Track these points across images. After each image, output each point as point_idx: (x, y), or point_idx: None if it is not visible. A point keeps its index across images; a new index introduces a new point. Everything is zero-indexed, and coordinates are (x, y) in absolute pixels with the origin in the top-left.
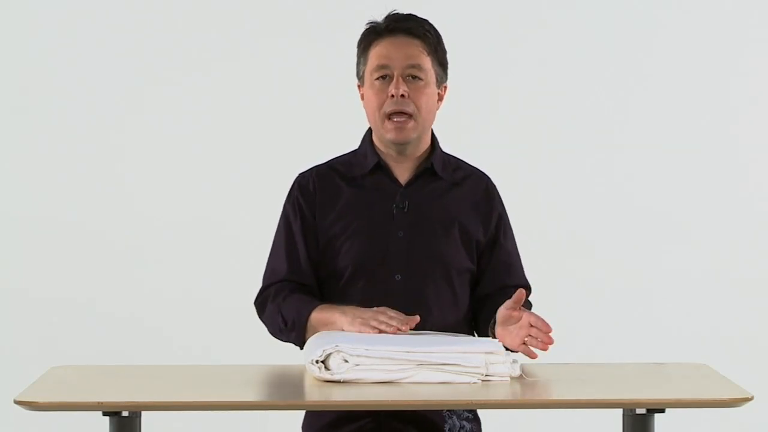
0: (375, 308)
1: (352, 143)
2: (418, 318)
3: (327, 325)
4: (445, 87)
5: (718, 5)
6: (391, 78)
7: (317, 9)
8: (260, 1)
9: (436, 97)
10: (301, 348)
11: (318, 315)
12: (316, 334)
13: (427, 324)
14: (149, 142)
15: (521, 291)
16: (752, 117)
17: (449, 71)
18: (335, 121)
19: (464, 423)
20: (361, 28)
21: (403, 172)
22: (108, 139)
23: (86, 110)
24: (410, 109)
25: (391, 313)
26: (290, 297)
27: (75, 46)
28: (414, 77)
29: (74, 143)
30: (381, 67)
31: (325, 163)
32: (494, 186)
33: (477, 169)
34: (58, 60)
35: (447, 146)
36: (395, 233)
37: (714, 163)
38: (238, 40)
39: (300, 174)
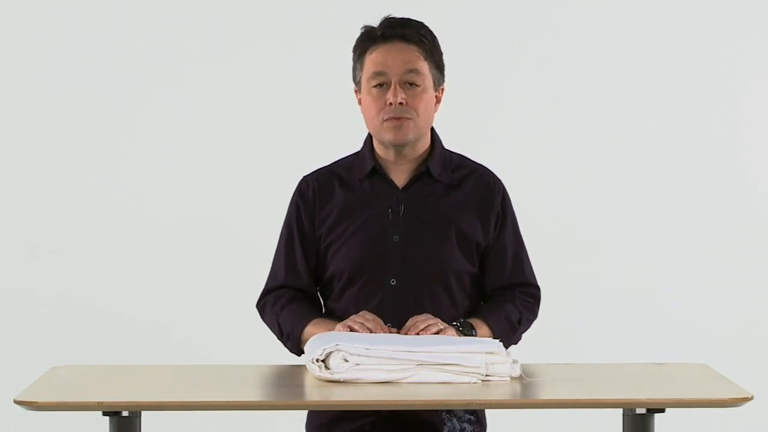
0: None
1: (358, 142)
2: (394, 330)
3: None
4: (443, 89)
5: (720, 6)
6: (389, 85)
7: (323, 8)
8: (268, 1)
9: (434, 101)
10: (298, 356)
11: (311, 329)
12: (317, 335)
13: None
14: (152, 142)
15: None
16: (753, 117)
17: (446, 72)
18: (341, 121)
19: (465, 425)
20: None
21: (400, 176)
22: (111, 139)
23: (89, 110)
24: (409, 115)
25: (368, 315)
26: (287, 307)
27: (78, 46)
28: (411, 83)
29: (76, 143)
30: (378, 74)
31: (328, 166)
32: (498, 182)
33: (482, 166)
34: (64, 60)
35: (449, 146)
36: (391, 237)
37: (714, 163)
38: (245, 40)
39: (303, 178)
